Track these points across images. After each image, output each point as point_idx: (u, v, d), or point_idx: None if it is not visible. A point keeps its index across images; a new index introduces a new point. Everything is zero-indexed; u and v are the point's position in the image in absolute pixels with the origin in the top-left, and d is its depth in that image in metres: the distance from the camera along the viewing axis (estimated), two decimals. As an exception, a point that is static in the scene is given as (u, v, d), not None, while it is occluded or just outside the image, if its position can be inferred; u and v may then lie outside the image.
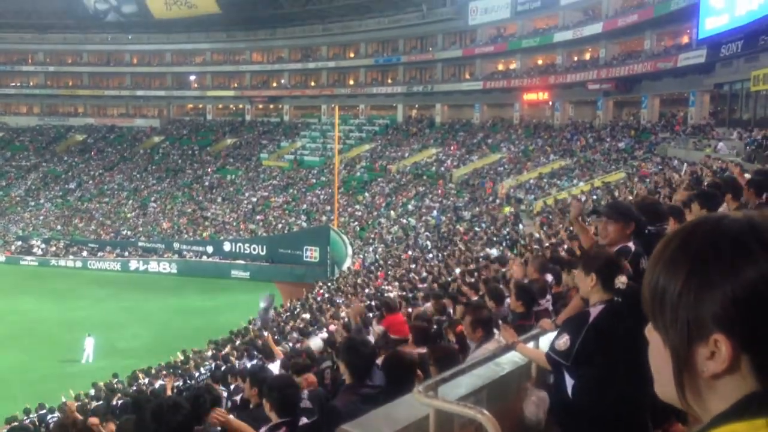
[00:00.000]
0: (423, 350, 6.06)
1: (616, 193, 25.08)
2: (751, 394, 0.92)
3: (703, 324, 0.93)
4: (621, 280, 3.74)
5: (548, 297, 6.62)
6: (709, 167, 19.39)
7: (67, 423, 5.22)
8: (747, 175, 12.27)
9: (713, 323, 0.92)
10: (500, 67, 52.83)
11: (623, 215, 4.56)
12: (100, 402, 16.89)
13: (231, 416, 4.85)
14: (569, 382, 3.58)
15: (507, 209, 34.18)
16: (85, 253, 47.44)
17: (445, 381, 3.56)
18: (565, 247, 11.70)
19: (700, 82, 36.78)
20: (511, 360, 4.17)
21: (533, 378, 4.15)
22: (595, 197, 27.74)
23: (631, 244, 4.36)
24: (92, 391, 19.57)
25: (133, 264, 44.92)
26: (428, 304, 10.67)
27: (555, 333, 3.92)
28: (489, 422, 3.00)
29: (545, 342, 4.23)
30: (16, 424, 15.67)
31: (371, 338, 7.98)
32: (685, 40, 38.99)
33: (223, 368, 16.40)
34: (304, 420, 4.17)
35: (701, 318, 0.93)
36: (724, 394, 0.94)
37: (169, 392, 6.58)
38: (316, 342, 15.86)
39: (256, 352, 15.27)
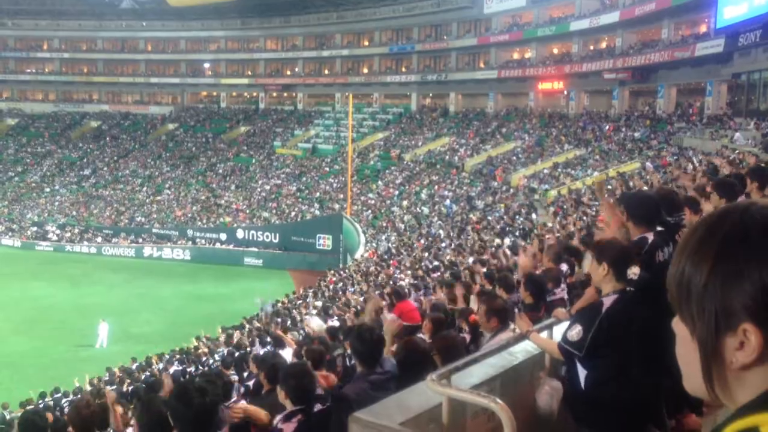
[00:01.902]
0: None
1: (631, 184, 24.88)
2: None
3: (732, 314, 0.90)
4: (633, 271, 3.71)
5: (563, 286, 6.56)
6: (726, 157, 19.19)
7: (80, 405, 5.26)
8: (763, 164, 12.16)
9: (742, 313, 0.89)
10: (515, 55, 52.48)
11: (619, 201, 4.53)
12: (114, 386, 17.04)
13: (245, 404, 4.90)
14: (582, 373, 3.55)
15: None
16: (99, 239, 47.81)
17: (459, 369, 3.54)
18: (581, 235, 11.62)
19: (717, 72, 36.37)
20: (524, 349, 4.14)
21: (547, 368, 4.12)
22: (609, 187, 27.53)
23: (650, 235, 4.32)
24: (106, 376, 19.75)
25: (147, 250, 45.21)
26: (442, 294, 10.65)
27: (568, 323, 3.89)
28: (502, 411, 2.98)
29: (559, 332, 4.20)
30: (30, 407, 15.86)
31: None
32: (703, 29, 38.55)
33: (235, 355, 16.50)
34: (318, 407, 4.19)
35: (729, 308, 0.90)
36: (753, 385, 0.91)
37: (167, 387, 6.62)
38: (316, 321, 15.92)
39: (268, 339, 15.32)
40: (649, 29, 42.35)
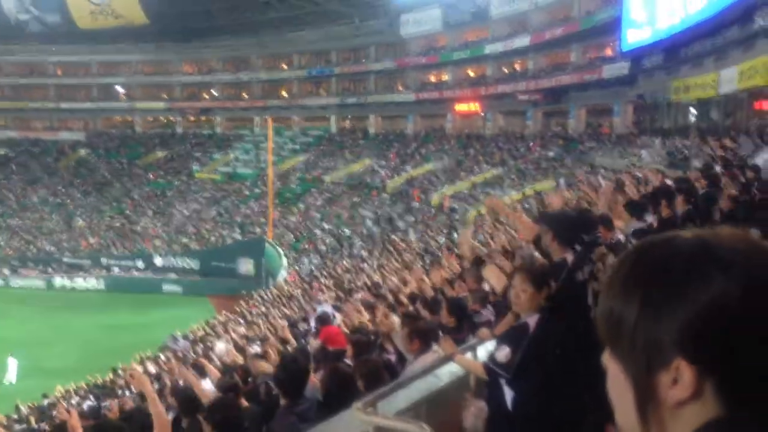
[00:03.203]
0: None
1: (546, 202, 25.58)
2: (712, 421, 0.88)
3: (663, 350, 0.88)
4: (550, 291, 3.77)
5: (489, 307, 6.62)
6: (633, 176, 19.96)
7: None
8: (668, 181, 12.73)
9: (673, 348, 0.88)
10: (432, 78, 53.39)
11: (539, 219, 4.63)
12: (24, 425, 16.23)
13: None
14: (508, 394, 3.56)
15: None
16: (6, 271, 45.59)
17: (384, 396, 3.52)
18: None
19: (624, 93, 38.06)
20: (449, 371, 4.16)
21: (472, 389, 4.14)
22: (527, 206, 28.24)
23: (569, 255, 4.40)
24: (15, 414, 18.79)
25: (59, 281, 43.41)
26: (365, 316, 10.62)
27: (493, 343, 3.93)
28: (430, 437, 2.97)
29: (483, 352, 4.24)
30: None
31: (309, 352, 7.88)
32: (609, 52, 40.27)
33: (155, 386, 15.96)
34: None
35: (660, 344, 0.88)
36: (689, 421, 0.89)
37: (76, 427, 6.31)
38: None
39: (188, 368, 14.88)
40: (559, 53, 43.92)
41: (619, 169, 27.41)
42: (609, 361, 0.96)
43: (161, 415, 4.98)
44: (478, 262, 7.69)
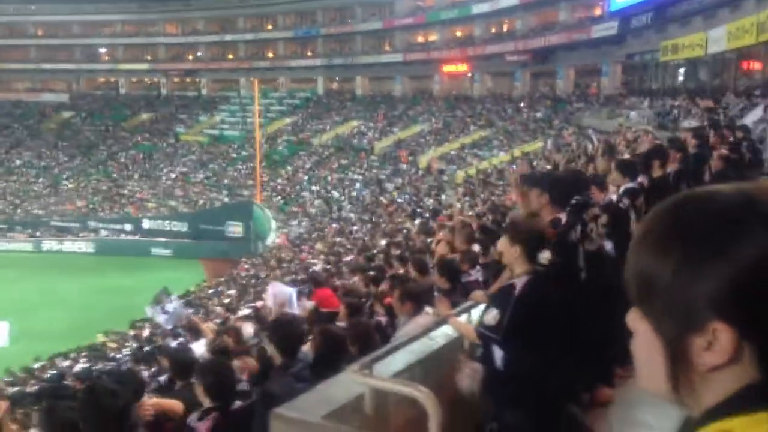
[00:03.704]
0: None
1: (535, 163, 25.62)
2: (750, 385, 0.83)
3: (699, 311, 0.83)
4: (545, 256, 3.78)
5: (478, 267, 6.68)
6: (623, 136, 20.00)
7: None
8: (657, 142, 12.78)
9: (711, 310, 0.82)
10: (420, 39, 52.89)
11: (532, 182, 4.63)
12: (17, 388, 16.30)
13: (156, 399, 4.74)
14: (498, 354, 3.61)
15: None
16: (-7, 235, 45.39)
17: (380, 359, 3.56)
18: (490, 217, 11.88)
19: (612, 53, 37.88)
20: (444, 333, 4.21)
21: (466, 350, 4.20)
22: (514, 167, 28.27)
23: (563, 215, 4.41)
24: (8, 377, 18.85)
25: (47, 244, 43.24)
26: (356, 278, 10.68)
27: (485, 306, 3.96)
28: (427, 399, 3.02)
29: (477, 314, 4.29)
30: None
31: (300, 314, 7.94)
32: (598, 11, 39.97)
33: (145, 349, 16.08)
34: (237, 403, 4.08)
35: (697, 305, 0.83)
36: (721, 387, 0.85)
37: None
38: (247, 329, 15.64)
39: (180, 331, 14.95)
40: (547, 12, 43.53)
41: (607, 130, 27.42)
42: (637, 322, 0.91)
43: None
44: (485, 230, 7.72)
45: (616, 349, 4.71)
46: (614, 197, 5.85)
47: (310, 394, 3.51)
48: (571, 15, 42.03)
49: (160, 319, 20.16)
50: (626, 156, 9.84)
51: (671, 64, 31.49)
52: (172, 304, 21.21)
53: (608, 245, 5.10)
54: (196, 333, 11.66)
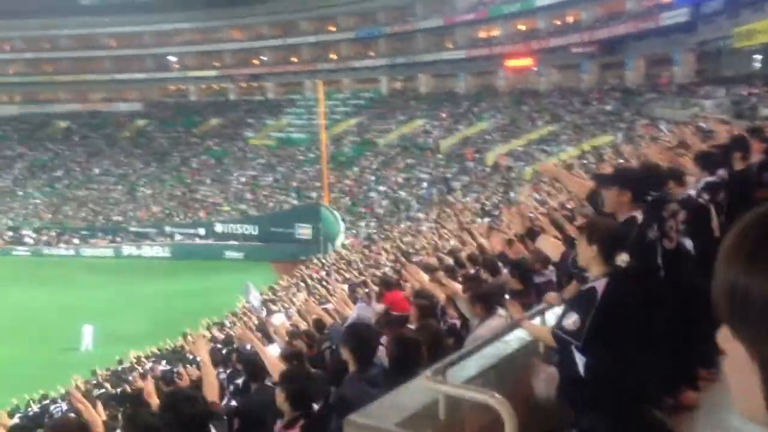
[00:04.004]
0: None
1: (605, 157, 25.11)
2: None
3: None
4: (622, 258, 3.67)
5: (551, 267, 6.53)
6: (698, 128, 19.39)
7: (57, 427, 5.11)
8: (737, 132, 12.27)
9: None
10: (482, 34, 52.42)
11: (618, 181, 4.48)
12: (103, 390, 16.94)
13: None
14: (580, 360, 3.53)
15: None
16: (77, 241, 47.28)
17: (454, 364, 3.57)
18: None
19: (683, 41, 36.71)
20: (517, 337, 4.18)
21: (541, 354, 4.16)
22: (585, 161, 27.77)
23: (638, 214, 4.29)
24: (93, 379, 19.60)
25: (126, 249, 44.84)
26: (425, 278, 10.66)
27: (561, 308, 3.91)
28: (502, 406, 3.01)
29: (551, 317, 4.24)
30: (19, 416, 15.73)
31: (372, 318, 8.00)
32: (666, -1, 38.84)
33: (223, 351, 16.45)
34: (315, 407, 4.15)
35: None
36: None
37: (151, 393, 6.59)
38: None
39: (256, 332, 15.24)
40: (614, 1, 42.52)
41: (681, 120, 26.65)
42: (728, 342, 0.84)
43: (210, 377, 5.30)
44: (531, 234, 7.60)
45: (700, 350, 4.59)
46: (693, 192, 5.62)
47: (383, 400, 3.53)
48: (638, 3, 40.94)
49: (256, 303, 21.20)
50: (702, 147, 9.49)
51: (746, 50, 30.36)
52: (253, 294, 21.92)
53: (687, 242, 4.93)
54: (267, 336, 11.87)
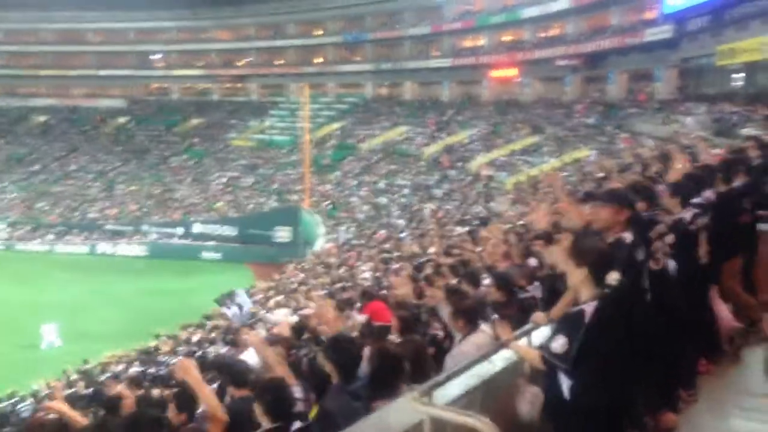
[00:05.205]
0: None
1: (586, 170, 25.24)
2: None
3: None
4: (613, 277, 3.59)
5: (536, 284, 6.46)
6: (677, 143, 19.49)
7: (33, 426, 4.98)
8: (716, 151, 12.32)
9: None
10: (468, 43, 52.63)
11: (617, 199, 4.42)
12: (74, 389, 16.64)
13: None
14: (565, 382, 3.47)
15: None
16: (51, 237, 46.66)
17: (440, 385, 3.49)
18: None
19: (666, 57, 37.08)
20: (503, 357, 4.11)
21: (527, 375, 4.09)
22: (566, 173, 27.89)
23: (626, 235, 4.24)
24: (63, 379, 19.26)
25: (102, 247, 44.31)
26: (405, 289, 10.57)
27: (547, 328, 3.85)
28: (489, 429, 2.94)
29: (537, 337, 4.18)
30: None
31: (353, 327, 7.89)
32: (651, 15, 39.17)
33: (196, 354, 16.23)
34: (297, 425, 3.99)
35: None
36: None
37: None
38: (280, 313, 15.59)
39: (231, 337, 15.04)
40: (599, 15, 42.87)
41: (661, 136, 26.85)
42: None
43: (208, 399, 4.80)
44: (546, 237, 7.44)
45: (681, 371, 4.54)
46: (686, 216, 5.53)
47: (368, 420, 3.45)
48: (623, 19, 41.30)
49: (229, 312, 20.44)
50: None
51: (728, 68, 30.69)
52: (241, 298, 21.33)
53: (671, 264, 4.89)
54: (240, 344, 11.66)
